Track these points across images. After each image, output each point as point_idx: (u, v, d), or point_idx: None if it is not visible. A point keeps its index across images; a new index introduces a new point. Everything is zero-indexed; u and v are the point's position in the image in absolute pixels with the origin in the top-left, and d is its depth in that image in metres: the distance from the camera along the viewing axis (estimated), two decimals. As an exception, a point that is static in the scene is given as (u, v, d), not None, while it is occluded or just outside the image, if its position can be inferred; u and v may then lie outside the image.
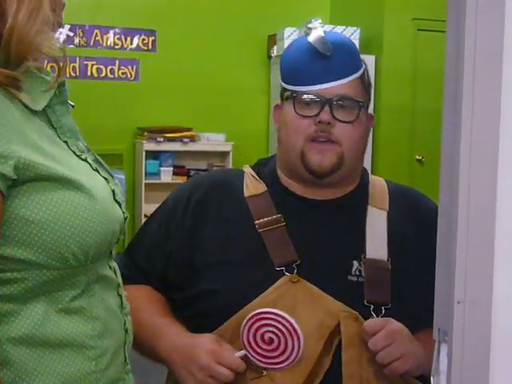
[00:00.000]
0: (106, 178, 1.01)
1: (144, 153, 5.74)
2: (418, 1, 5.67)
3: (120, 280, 1.05)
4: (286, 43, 5.71)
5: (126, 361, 1.04)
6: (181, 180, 5.69)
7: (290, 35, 5.73)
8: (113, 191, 1.00)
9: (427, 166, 5.79)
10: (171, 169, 5.88)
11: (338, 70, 1.38)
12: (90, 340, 0.92)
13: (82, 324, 0.92)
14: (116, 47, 5.84)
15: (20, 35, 0.88)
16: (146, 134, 5.76)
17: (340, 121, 1.38)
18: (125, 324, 1.03)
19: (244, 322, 1.26)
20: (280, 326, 1.25)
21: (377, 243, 1.39)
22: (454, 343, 0.71)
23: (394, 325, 1.28)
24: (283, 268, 1.33)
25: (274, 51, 5.92)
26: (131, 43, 5.88)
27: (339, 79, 1.38)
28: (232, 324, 1.31)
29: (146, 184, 5.73)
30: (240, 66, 6.07)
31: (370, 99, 1.48)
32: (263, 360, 1.27)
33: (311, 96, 1.38)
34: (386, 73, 5.68)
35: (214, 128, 5.81)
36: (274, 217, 1.40)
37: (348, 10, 6.13)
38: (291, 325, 1.24)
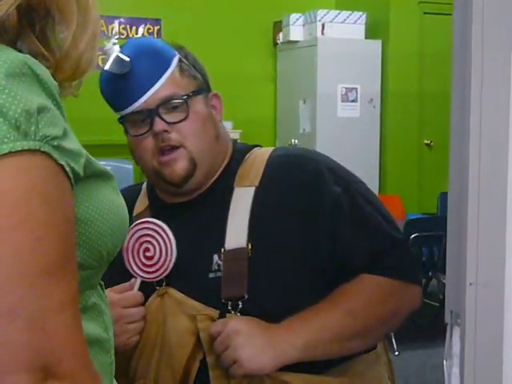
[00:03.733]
0: None
1: (152, 142, 5.75)
2: (423, -16, 5.64)
3: None
4: (292, 30, 5.68)
5: None
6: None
7: (295, 21, 5.70)
8: None
9: (436, 149, 5.77)
10: (179, 158, 5.89)
11: (145, 78, 1.33)
12: (104, 333, 0.93)
13: (96, 320, 0.92)
14: (121, 37, 5.83)
15: (77, 64, 0.87)
16: (153, 123, 5.76)
17: (173, 123, 1.33)
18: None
19: (128, 235, 1.29)
20: (155, 234, 1.31)
21: (237, 230, 1.33)
22: (466, 325, 0.70)
23: (232, 326, 1.24)
24: (156, 283, 1.32)
25: (280, 38, 5.89)
26: (136, 33, 5.86)
27: (152, 85, 1.33)
28: None
29: (154, 173, 5.74)
30: (246, 53, 6.05)
31: (203, 81, 1.41)
32: (141, 270, 1.31)
33: (136, 114, 1.34)
34: (392, 57, 5.65)
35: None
36: None
37: (353, -5, 6.10)
38: (164, 230, 1.29)
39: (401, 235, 1.39)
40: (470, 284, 0.69)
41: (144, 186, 1.52)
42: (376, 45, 5.63)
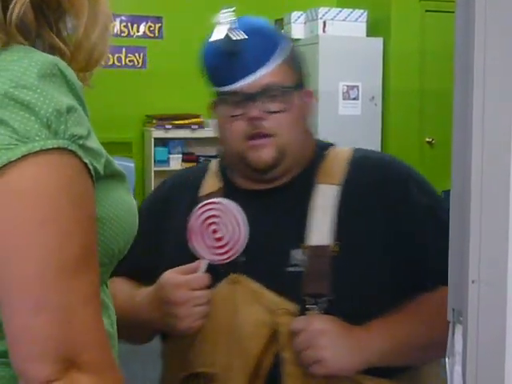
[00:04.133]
0: None
1: (153, 140, 5.74)
2: (425, -19, 5.63)
3: None
4: (293, 27, 5.68)
5: None
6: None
7: (296, 19, 5.69)
8: None
9: (437, 147, 5.76)
10: (180, 156, 5.88)
11: (254, 60, 1.30)
12: (110, 327, 0.94)
13: (104, 315, 0.92)
14: (122, 35, 5.82)
15: (90, 55, 0.89)
16: (154, 121, 5.76)
17: (270, 112, 1.31)
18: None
19: (195, 215, 1.26)
20: (223, 216, 1.25)
21: (321, 227, 1.30)
22: (468, 323, 0.70)
23: (317, 325, 1.22)
24: (224, 268, 1.28)
25: (281, 36, 5.89)
26: (138, 31, 5.86)
27: (258, 70, 1.30)
28: None
29: (155, 171, 5.73)
30: (247, 51, 6.05)
31: (303, 76, 1.39)
32: (209, 252, 1.26)
33: (236, 95, 1.31)
34: (394, 55, 5.64)
35: (223, 114, 5.78)
36: None
37: (355, -7, 6.08)
38: (233, 212, 1.24)
39: None
40: (473, 282, 0.69)
41: (212, 166, 1.47)
42: (377, 43, 5.62)
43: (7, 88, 0.75)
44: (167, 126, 5.72)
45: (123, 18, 5.80)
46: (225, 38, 1.29)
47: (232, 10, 1.31)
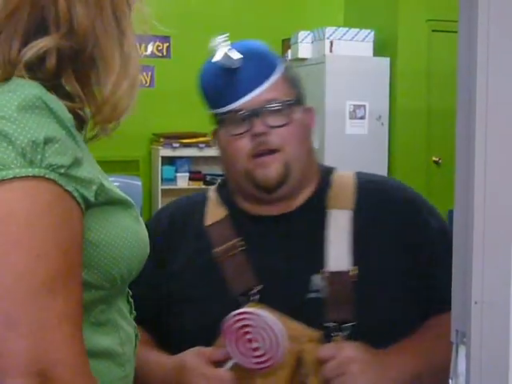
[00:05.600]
0: None
1: (160, 159, 5.76)
2: (431, 2, 5.65)
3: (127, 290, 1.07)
4: (301, 47, 5.70)
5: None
6: (197, 185, 5.70)
7: (303, 39, 5.72)
8: None
9: (444, 167, 5.75)
10: (187, 174, 5.89)
11: (254, 77, 1.32)
12: (118, 347, 0.95)
13: (110, 334, 0.95)
14: (131, 54, 5.87)
15: (114, 108, 0.92)
16: (161, 140, 5.77)
17: (274, 127, 1.31)
18: (135, 330, 1.05)
19: (227, 322, 1.22)
20: (256, 324, 1.21)
21: (338, 252, 1.29)
22: (472, 344, 0.70)
23: (347, 352, 1.20)
24: (243, 297, 1.28)
25: (289, 55, 5.91)
26: (146, 50, 5.90)
27: (258, 86, 1.32)
28: None
29: (162, 190, 5.74)
30: (254, 70, 6.08)
31: (301, 94, 1.40)
32: (247, 361, 1.23)
33: (237, 113, 1.31)
34: (400, 74, 5.66)
35: (230, 133, 5.80)
36: (231, 242, 1.34)
37: (362, 12, 6.11)
38: (266, 323, 1.20)
39: None
40: (476, 302, 0.69)
41: (210, 194, 1.45)
42: (384, 62, 5.64)
43: None
44: (174, 145, 5.74)
45: (131, 37, 5.84)
46: (224, 56, 1.31)
47: (226, 36, 1.34)
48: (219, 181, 1.50)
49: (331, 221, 1.33)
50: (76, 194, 0.83)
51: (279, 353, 1.21)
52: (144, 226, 0.99)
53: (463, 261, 0.72)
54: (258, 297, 1.28)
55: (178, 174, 5.86)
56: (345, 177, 1.42)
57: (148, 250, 0.99)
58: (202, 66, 1.39)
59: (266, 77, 1.33)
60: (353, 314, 1.25)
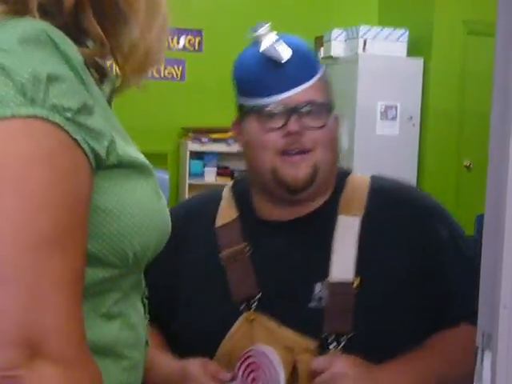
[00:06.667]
0: None
1: (188, 153, 5.78)
2: (468, 2, 5.58)
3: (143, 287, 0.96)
4: (334, 45, 5.68)
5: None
6: (225, 181, 5.71)
7: (337, 36, 5.69)
8: None
9: (475, 172, 5.69)
10: (215, 169, 5.90)
11: (298, 74, 1.29)
12: (126, 349, 0.86)
13: (121, 331, 0.85)
14: (163, 48, 5.89)
15: (145, 57, 0.85)
16: (190, 134, 5.79)
17: (310, 128, 1.28)
18: (146, 334, 0.95)
19: (238, 365, 1.22)
20: (257, 361, 1.21)
21: (343, 262, 1.27)
22: (498, 349, 0.69)
23: (340, 366, 1.18)
24: (244, 304, 1.27)
25: (321, 53, 5.89)
26: (177, 43, 5.92)
27: (301, 84, 1.29)
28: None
29: (189, 184, 5.76)
30: (286, 67, 6.07)
31: (333, 99, 1.37)
32: None
33: (275, 107, 1.28)
34: (434, 76, 5.60)
35: (259, 129, 5.80)
36: (238, 247, 1.32)
37: (396, 11, 6.07)
38: (267, 357, 1.20)
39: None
40: (504, 307, 0.67)
41: (225, 193, 1.43)
42: (418, 63, 5.59)
43: None
44: (203, 140, 5.75)
45: (165, 30, 5.86)
46: (271, 48, 1.28)
47: (268, 25, 1.30)
48: (238, 176, 1.49)
49: (339, 228, 1.31)
50: (85, 146, 0.71)
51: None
52: (165, 202, 0.87)
53: (493, 264, 0.71)
54: (256, 304, 1.27)
55: (206, 169, 5.88)
56: (358, 181, 1.39)
57: (169, 230, 0.87)
58: (240, 53, 1.37)
59: (310, 76, 1.31)
60: (352, 325, 1.23)
